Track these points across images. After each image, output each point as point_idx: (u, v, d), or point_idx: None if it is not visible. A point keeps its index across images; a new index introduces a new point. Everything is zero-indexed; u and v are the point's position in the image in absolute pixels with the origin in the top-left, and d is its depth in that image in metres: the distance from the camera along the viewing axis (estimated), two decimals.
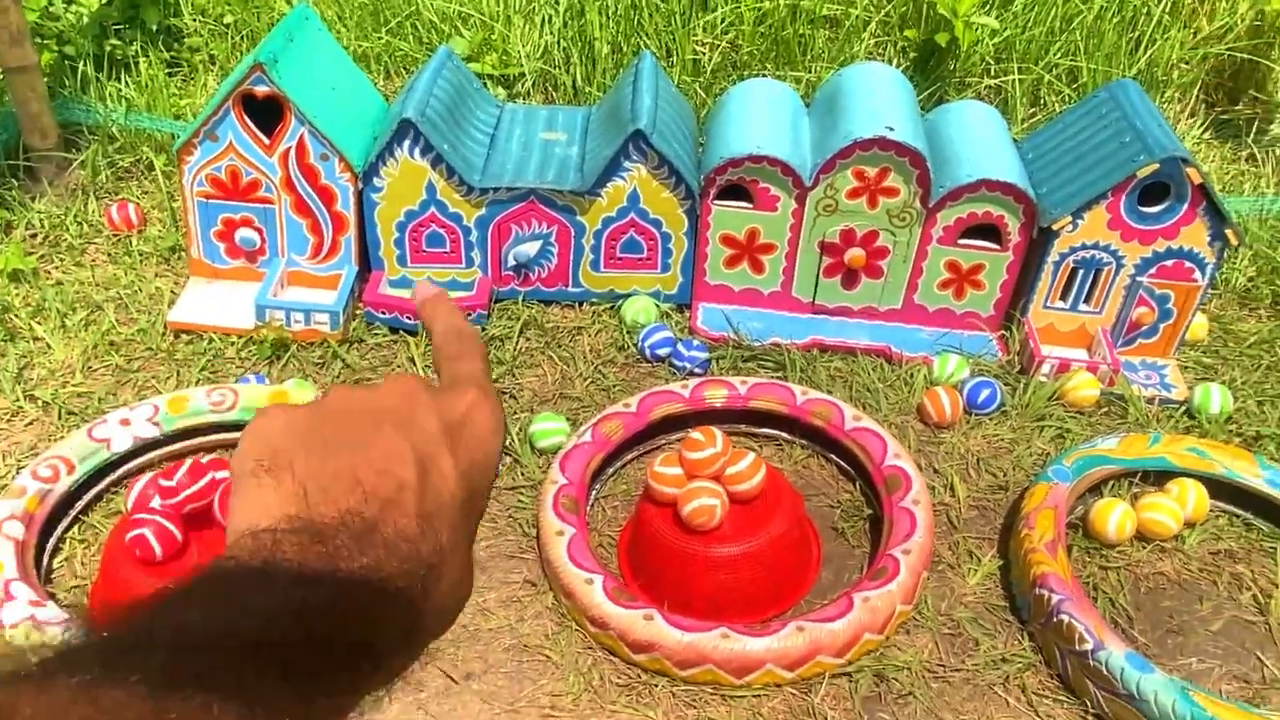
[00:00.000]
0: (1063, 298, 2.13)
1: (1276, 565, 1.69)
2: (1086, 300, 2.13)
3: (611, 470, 1.88)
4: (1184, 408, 2.04)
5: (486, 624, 1.60)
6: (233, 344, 2.09)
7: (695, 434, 1.58)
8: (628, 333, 2.16)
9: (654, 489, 1.59)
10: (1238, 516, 1.80)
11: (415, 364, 2.07)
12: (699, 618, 1.59)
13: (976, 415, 1.98)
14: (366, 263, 2.20)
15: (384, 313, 2.14)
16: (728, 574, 1.58)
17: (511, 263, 2.17)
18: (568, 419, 1.94)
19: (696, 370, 2.06)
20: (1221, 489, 1.80)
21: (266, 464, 0.29)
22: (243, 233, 2.15)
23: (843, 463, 1.87)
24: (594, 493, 1.82)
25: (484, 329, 2.16)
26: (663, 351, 2.10)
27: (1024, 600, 1.60)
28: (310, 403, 0.33)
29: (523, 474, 1.87)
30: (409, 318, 2.12)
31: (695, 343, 2.08)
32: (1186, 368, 2.17)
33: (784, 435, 1.93)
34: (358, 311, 2.18)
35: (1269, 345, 2.22)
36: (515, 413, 1.99)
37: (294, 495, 0.29)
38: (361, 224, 2.14)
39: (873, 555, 1.68)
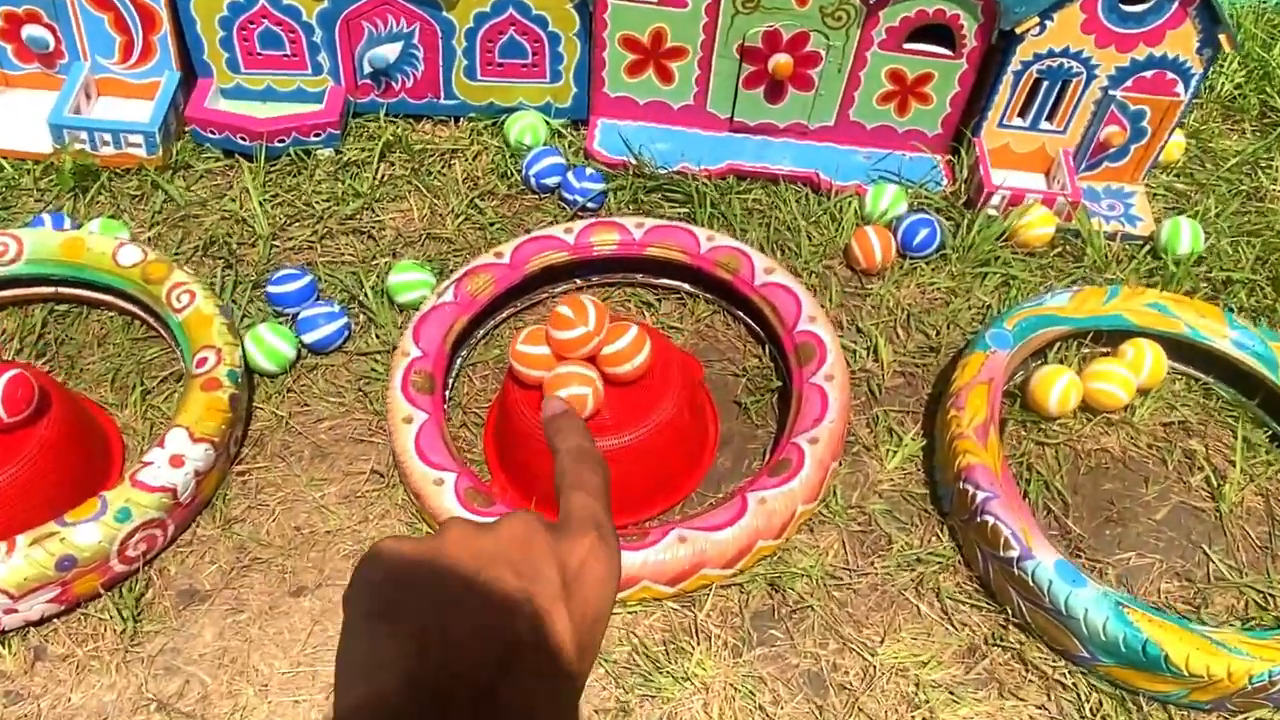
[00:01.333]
0: (1021, 114, 1.82)
1: (1235, 441, 1.49)
2: (1049, 118, 1.81)
3: (482, 333, 1.60)
4: (1148, 245, 1.77)
5: (324, 524, 1.36)
6: (29, 172, 1.73)
7: (562, 308, 1.29)
8: (512, 157, 1.82)
9: (517, 370, 1.32)
10: (1196, 380, 1.58)
11: (251, 195, 1.73)
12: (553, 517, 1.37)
13: (912, 259, 1.71)
14: (194, 68, 1.81)
15: (214, 132, 1.78)
16: None
17: (368, 69, 1.79)
18: (434, 269, 1.64)
19: (590, 205, 1.74)
20: (1181, 349, 1.57)
21: (382, 609, 0.27)
22: (30, 30, 1.74)
23: (751, 323, 1.60)
24: (458, 361, 1.55)
25: (337, 152, 1.81)
26: (551, 181, 1.77)
27: (946, 491, 1.39)
28: (428, 540, 0.30)
29: (378, 335, 1.59)
30: (243, 138, 1.77)
31: (589, 171, 1.75)
32: (1155, 195, 1.89)
33: (685, 288, 1.65)
34: (184, 130, 1.81)
35: (1250, 168, 1.94)
36: (374, 257, 1.69)
37: (413, 650, 0.27)
38: (177, 20, 1.73)
39: (777, 439, 1.45)
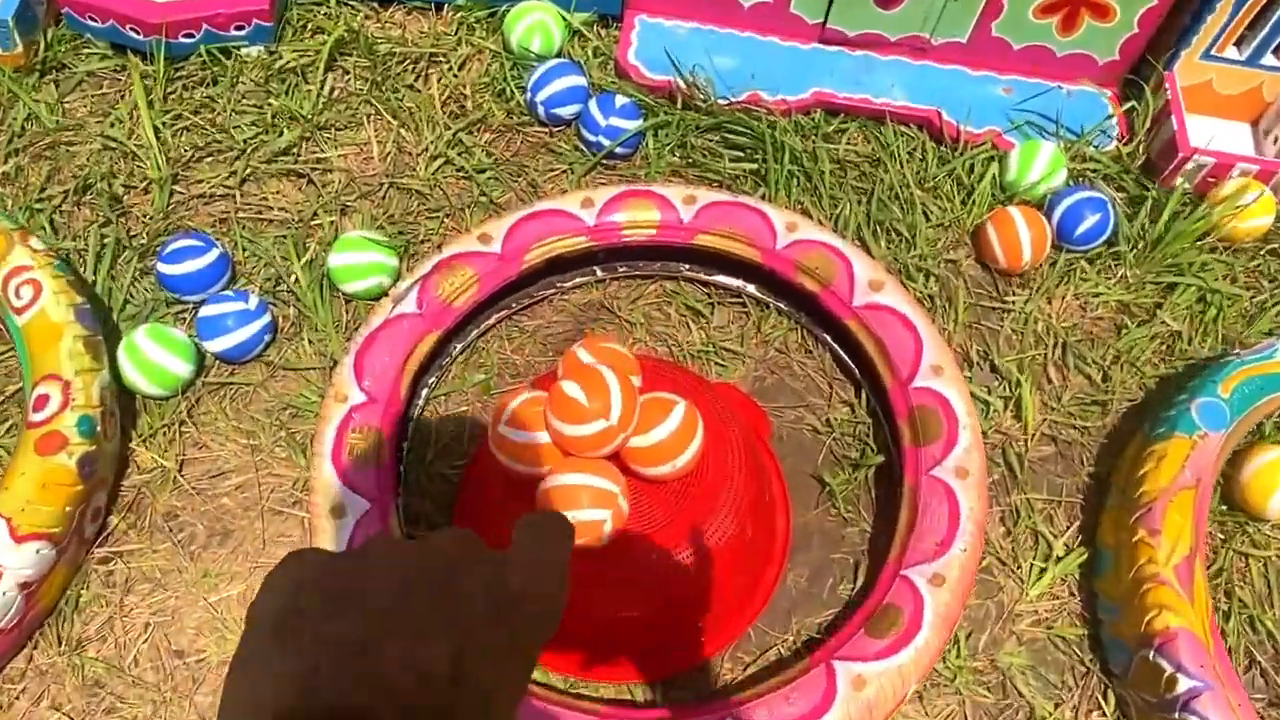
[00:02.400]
0: (1238, 44, 1.27)
1: None
2: (1278, 50, 1.27)
3: (460, 347, 1.13)
4: None
5: (220, 649, 0.94)
6: None
7: (569, 387, 0.82)
8: (514, 69, 1.30)
9: (504, 462, 0.87)
10: None
11: (144, 116, 1.22)
12: (575, 669, 0.94)
13: (1070, 253, 1.21)
14: None
15: (95, 19, 1.26)
16: (625, 609, 0.90)
17: None
18: (397, 244, 1.15)
19: (619, 150, 1.24)
20: None
21: (278, 625, 0.24)
22: None
23: (844, 355, 1.12)
24: (422, 394, 1.09)
25: (269, 53, 1.29)
26: (566, 111, 1.26)
27: (1120, 649, 0.95)
28: (347, 554, 0.26)
29: (312, 341, 1.12)
30: (135, 30, 1.25)
31: (619, 101, 1.23)
32: None
33: (751, 291, 1.16)
34: (58, 14, 1.29)
35: None
36: (314, 214, 1.20)
37: (301, 676, 0.23)
38: None
39: (876, 555, 1.00)
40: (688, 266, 1.17)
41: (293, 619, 0.24)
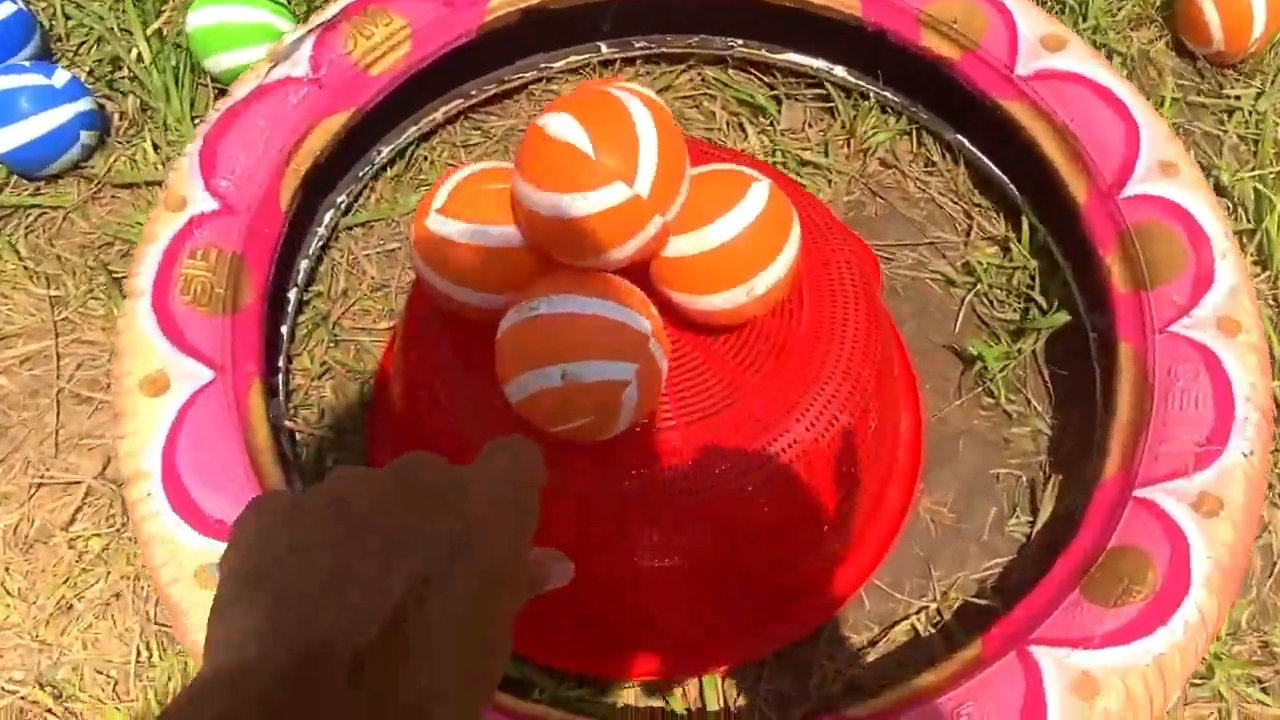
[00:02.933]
0: None
1: None
2: None
3: (387, 150, 0.73)
4: None
5: None
6: None
7: (558, 123, 0.42)
8: None
9: (435, 285, 0.47)
10: None
11: None
12: (587, 661, 0.55)
13: None
14: None
15: None
16: (661, 555, 0.50)
17: None
18: (292, 3, 0.75)
19: None
20: None
21: (248, 573, 0.23)
22: None
23: (994, 166, 0.72)
24: (321, 226, 0.69)
25: None
26: None
27: None
28: (311, 492, 0.25)
29: (158, 146, 0.72)
30: None
31: None
32: None
33: (839, 75, 0.76)
34: None
35: None
36: None
37: (268, 619, 0.22)
38: None
39: (1072, 470, 0.61)
40: (741, 42, 0.76)
41: (264, 565, 0.23)
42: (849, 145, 0.74)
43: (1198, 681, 0.56)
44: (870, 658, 0.56)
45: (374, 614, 0.22)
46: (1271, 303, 0.69)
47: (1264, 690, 0.57)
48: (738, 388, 0.50)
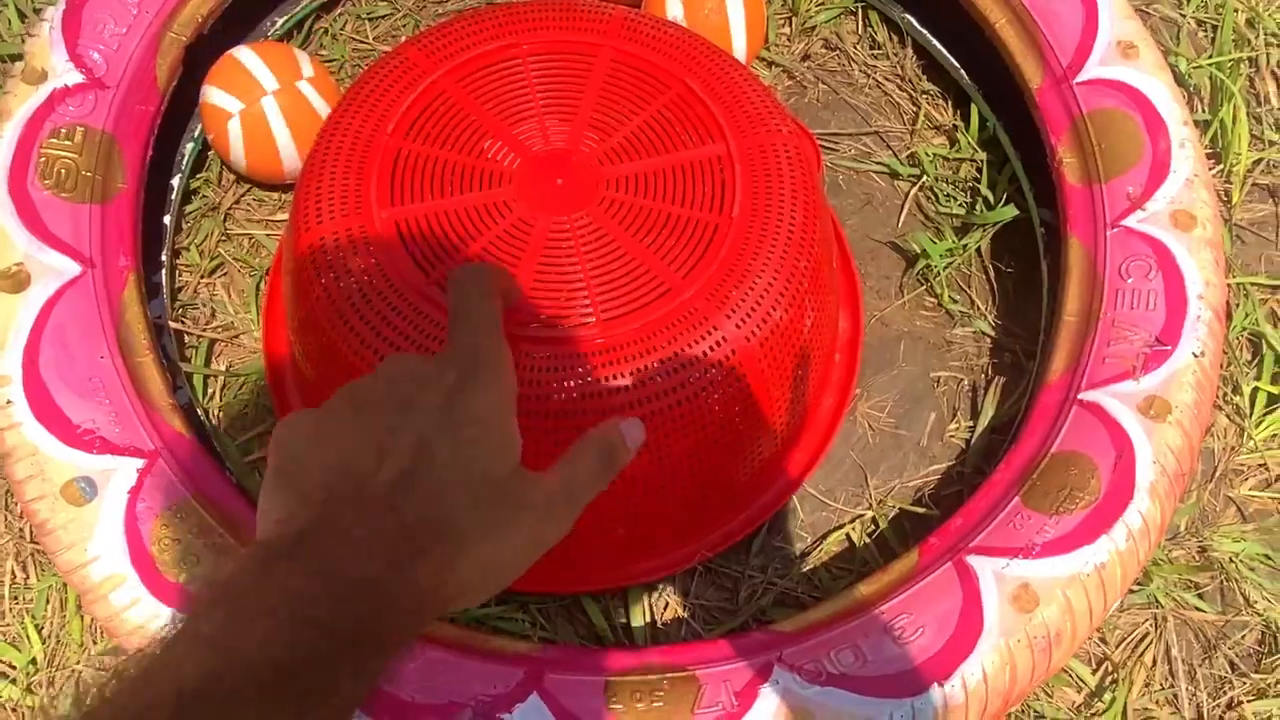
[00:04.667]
0: None
1: None
2: None
3: (280, 20, 0.66)
4: None
5: None
6: None
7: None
8: None
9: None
10: None
11: None
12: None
13: None
14: None
15: None
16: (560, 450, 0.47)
17: None
18: None
19: None
20: None
21: (278, 469, 0.28)
22: None
23: (943, 48, 0.68)
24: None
25: None
26: None
27: None
28: (327, 407, 0.30)
29: (23, 13, 0.64)
30: None
31: None
32: None
33: None
34: None
35: None
36: None
37: (290, 502, 0.27)
38: None
39: (1018, 373, 0.58)
40: None
41: (286, 465, 0.28)
42: (790, 25, 0.69)
43: (1134, 589, 0.55)
44: (803, 569, 0.54)
45: (382, 470, 0.27)
46: (1223, 198, 0.66)
47: (1200, 596, 0.56)
48: (663, 281, 0.46)
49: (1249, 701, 0.54)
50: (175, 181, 0.59)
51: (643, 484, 0.48)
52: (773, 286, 0.47)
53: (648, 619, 0.52)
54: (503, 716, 0.42)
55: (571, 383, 0.44)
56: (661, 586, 0.53)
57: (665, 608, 0.53)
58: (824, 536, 0.55)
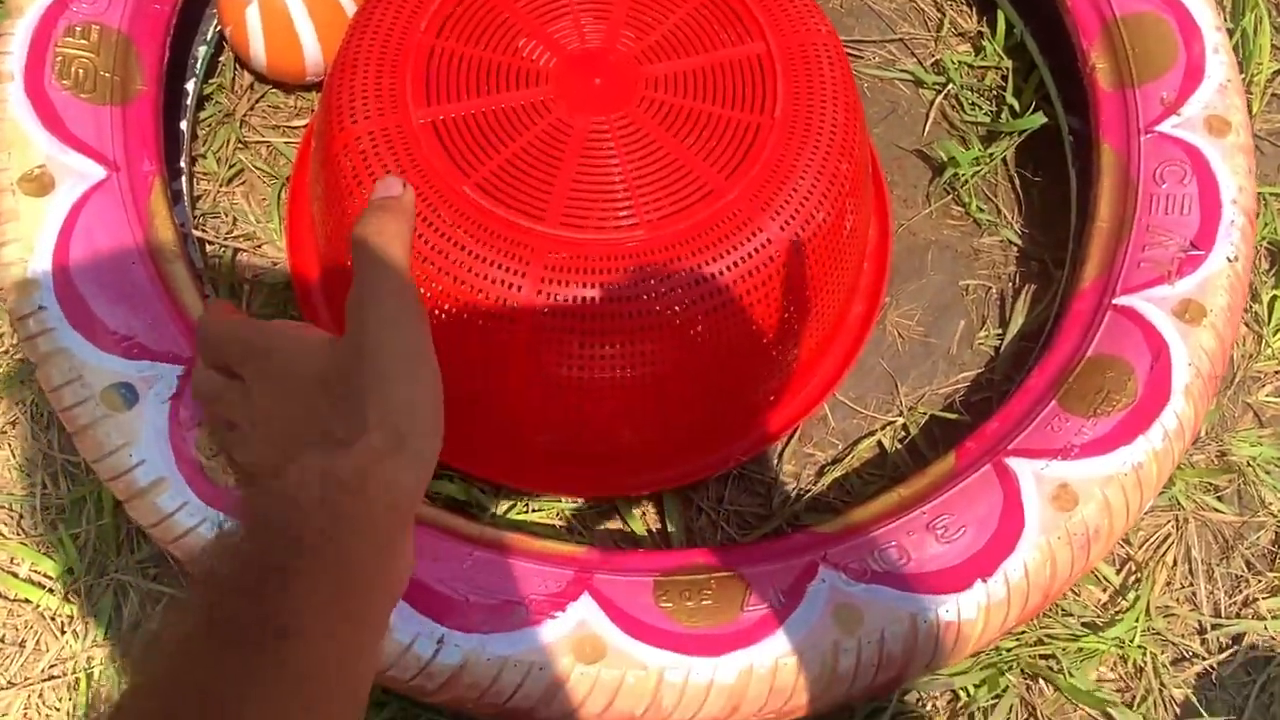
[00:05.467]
0: None
1: None
2: None
3: None
4: None
5: None
6: None
7: None
8: None
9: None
10: None
11: None
12: (508, 473, 0.52)
13: None
14: None
15: None
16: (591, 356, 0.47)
17: None
18: None
19: None
20: None
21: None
22: None
23: None
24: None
25: None
26: None
27: None
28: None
29: None
30: None
31: None
32: None
33: None
34: None
35: None
36: None
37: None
38: None
39: (1047, 280, 0.58)
40: None
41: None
42: None
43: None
44: (834, 475, 0.54)
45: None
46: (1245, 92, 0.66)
47: (1219, 499, 0.57)
48: (706, 183, 0.46)
49: (1264, 599, 0.55)
50: (190, 86, 0.58)
51: (680, 385, 0.49)
52: (816, 188, 0.47)
53: (683, 525, 0.53)
54: (556, 614, 0.43)
55: (613, 285, 0.44)
56: (696, 492, 0.53)
57: (700, 514, 0.53)
58: (855, 443, 0.55)
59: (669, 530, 0.52)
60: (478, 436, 0.49)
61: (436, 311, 0.45)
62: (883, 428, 0.55)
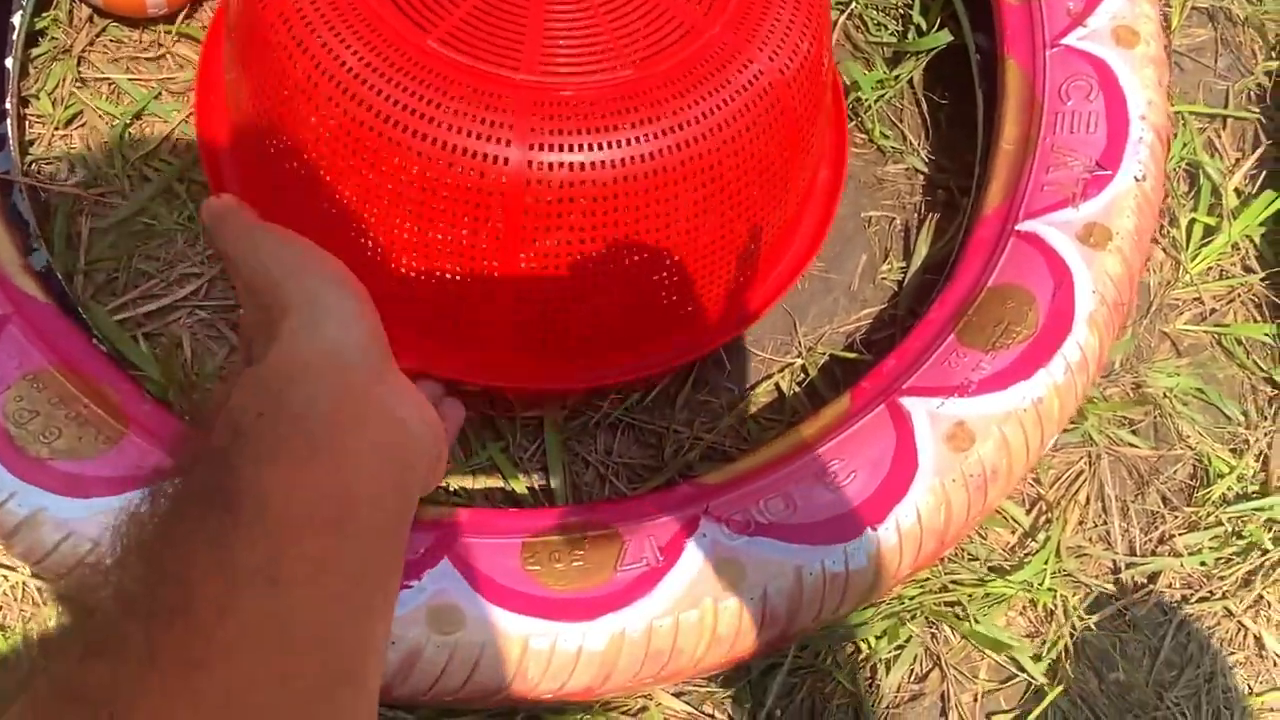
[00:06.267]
0: None
1: None
2: None
3: None
4: None
5: None
6: None
7: None
8: None
9: None
10: None
11: None
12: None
13: None
14: None
15: None
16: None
17: None
18: None
19: None
20: None
21: None
22: None
23: None
24: None
25: None
26: None
27: None
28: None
29: None
30: None
31: None
32: None
33: None
34: None
35: None
36: None
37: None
38: None
39: (951, 209, 0.55)
40: None
41: None
42: None
43: (1069, 427, 0.53)
44: (730, 422, 0.51)
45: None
46: (1163, 23, 0.63)
47: (1134, 433, 0.55)
48: (684, 21, 0.41)
49: (1180, 535, 0.53)
50: (16, 20, 0.52)
51: (703, 233, 0.43)
52: (796, 18, 0.43)
53: (568, 481, 0.49)
54: (412, 584, 0.40)
55: (613, 129, 0.39)
56: (582, 444, 0.50)
57: (586, 468, 0.50)
58: (752, 387, 0.52)
59: (552, 487, 0.49)
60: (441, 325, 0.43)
61: (418, 185, 0.40)
62: (780, 370, 0.52)
